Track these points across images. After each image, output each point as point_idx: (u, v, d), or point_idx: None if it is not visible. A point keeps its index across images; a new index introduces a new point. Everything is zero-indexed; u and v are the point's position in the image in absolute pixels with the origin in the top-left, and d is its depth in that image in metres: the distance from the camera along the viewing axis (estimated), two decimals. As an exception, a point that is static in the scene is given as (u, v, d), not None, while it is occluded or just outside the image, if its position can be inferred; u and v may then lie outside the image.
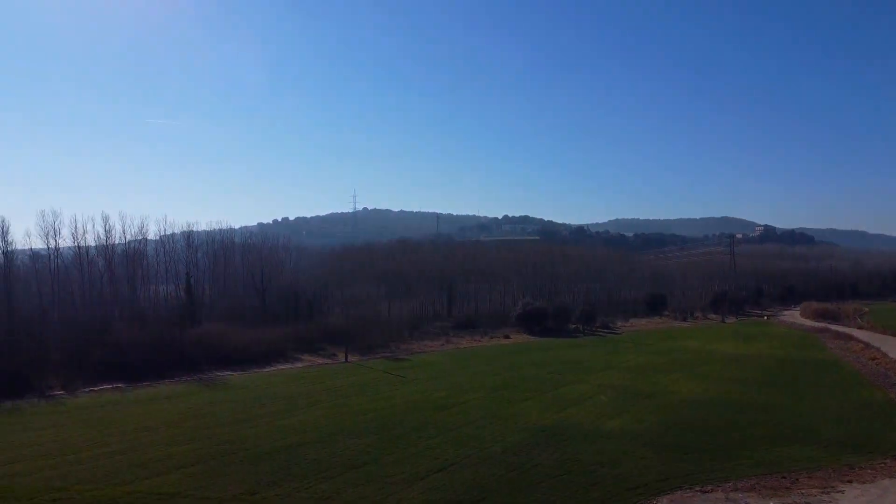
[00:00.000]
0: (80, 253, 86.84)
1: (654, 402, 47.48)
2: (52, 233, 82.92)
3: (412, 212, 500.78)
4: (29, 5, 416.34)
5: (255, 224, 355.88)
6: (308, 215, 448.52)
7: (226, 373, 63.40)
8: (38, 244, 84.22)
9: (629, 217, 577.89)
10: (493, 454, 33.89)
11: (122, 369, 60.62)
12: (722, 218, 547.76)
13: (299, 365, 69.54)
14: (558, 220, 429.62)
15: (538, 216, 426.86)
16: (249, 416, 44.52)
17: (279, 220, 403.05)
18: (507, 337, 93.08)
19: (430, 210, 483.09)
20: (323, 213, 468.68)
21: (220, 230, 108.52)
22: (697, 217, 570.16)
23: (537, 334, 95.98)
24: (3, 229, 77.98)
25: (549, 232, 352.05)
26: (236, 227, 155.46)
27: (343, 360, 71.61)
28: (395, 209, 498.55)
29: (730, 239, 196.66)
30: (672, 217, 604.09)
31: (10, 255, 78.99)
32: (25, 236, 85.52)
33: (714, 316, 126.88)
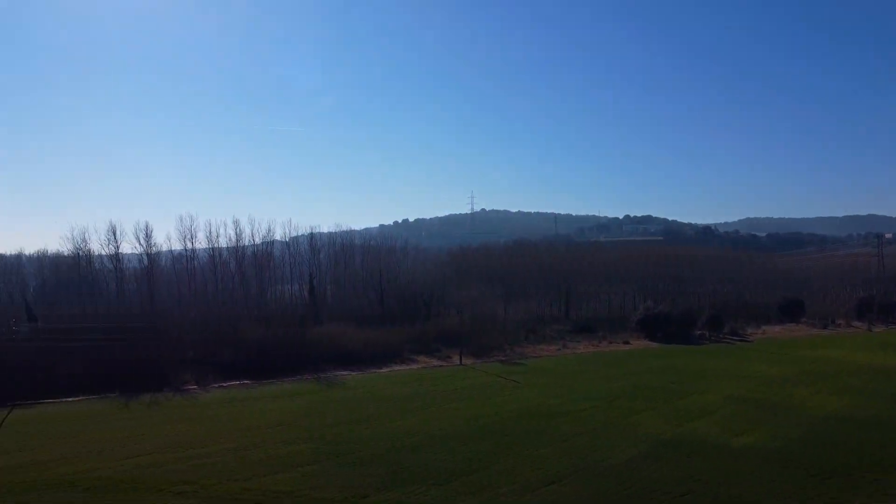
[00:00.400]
0: (214, 254, 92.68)
1: (790, 418, 43.62)
2: (189, 236, 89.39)
3: (530, 212, 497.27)
4: (164, 28, 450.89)
5: (377, 226, 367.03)
6: (427, 217, 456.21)
7: (344, 372, 65.10)
8: (176, 246, 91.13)
9: (762, 216, 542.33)
10: (609, 467, 32.28)
11: (250, 367, 63.78)
12: (868, 216, 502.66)
13: (414, 366, 70.23)
14: (683, 219, 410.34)
15: (661, 216, 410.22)
16: (364, 416, 45.21)
17: (399, 221, 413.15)
18: (626, 342, 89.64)
19: (549, 210, 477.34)
20: (442, 214, 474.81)
21: (340, 232, 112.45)
22: (839, 215, 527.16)
23: (659, 340, 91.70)
24: (147, 233, 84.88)
25: (673, 232, 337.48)
26: (359, 228, 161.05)
27: (457, 362, 71.60)
28: (513, 210, 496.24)
29: (877, 239, 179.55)
30: (810, 215, 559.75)
31: (153, 256, 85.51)
32: (166, 239, 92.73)
33: (859, 323, 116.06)
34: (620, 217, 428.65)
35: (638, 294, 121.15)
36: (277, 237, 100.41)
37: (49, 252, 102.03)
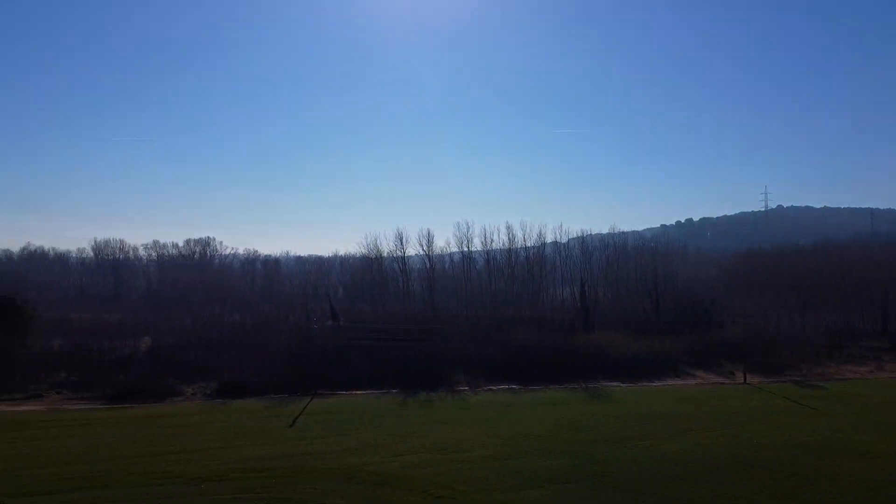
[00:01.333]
0: (489, 258, 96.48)
1: None
2: (465, 241, 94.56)
3: (838, 208, 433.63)
4: (445, 39, 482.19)
5: (658, 226, 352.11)
6: (714, 215, 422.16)
7: (612, 383, 62.69)
8: (454, 249, 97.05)
9: None
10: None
11: (518, 370, 64.73)
12: None
13: (691, 382, 65.02)
14: None
15: None
16: (630, 435, 42.60)
17: (682, 221, 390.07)
18: (969, 367, 73.02)
19: (864, 206, 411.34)
20: (731, 212, 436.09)
21: (614, 234, 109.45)
22: None
23: None
24: (429, 239, 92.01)
25: None
26: (640, 229, 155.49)
27: (741, 380, 64.62)
28: (817, 205, 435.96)
29: None
30: None
31: (433, 259, 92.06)
32: (445, 244, 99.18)
33: None
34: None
35: None
36: (549, 240, 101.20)
37: (356, 254, 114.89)
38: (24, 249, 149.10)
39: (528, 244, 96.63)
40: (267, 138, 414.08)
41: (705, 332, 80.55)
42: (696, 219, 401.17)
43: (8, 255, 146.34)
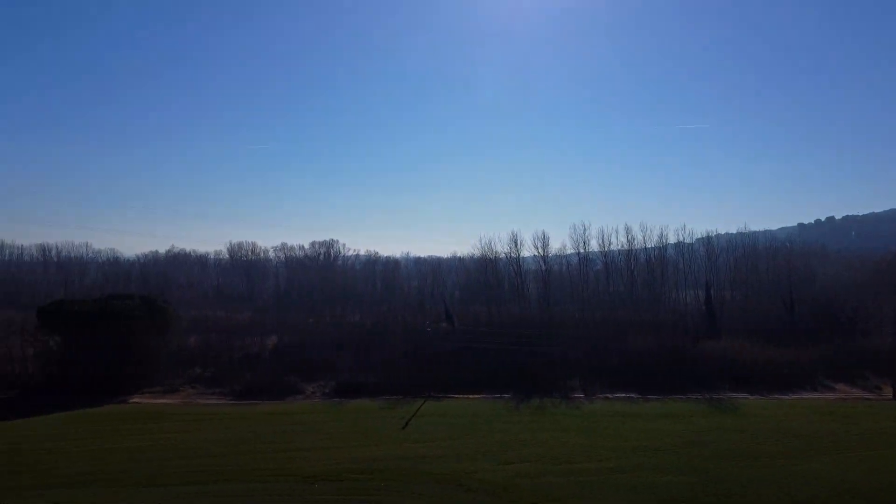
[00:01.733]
0: (606, 260, 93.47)
1: None
2: (581, 243, 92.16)
3: None
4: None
5: (795, 225, 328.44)
6: (859, 213, 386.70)
7: (740, 395, 58.66)
8: (570, 251, 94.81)
9: None
10: None
11: (636, 378, 62.02)
12: None
13: (830, 396, 59.69)
14: None
15: None
16: (760, 452, 39.63)
17: (822, 219, 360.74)
18: None
19: None
20: (879, 209, 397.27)
21: (742, 234, 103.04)
22: None
23: None
24: (544, 241, 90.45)
25: None
26: (773, 229, 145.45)
27: (889, 396, 58.61)
28: None
29: None
30: None
31: (549, 261, 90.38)
32: (561, 246, 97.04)
33: None
34: None
35: None
36: (671, 241, 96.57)
37: (472, 256, 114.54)
38: (168, 251, 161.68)
39: (649, 245, 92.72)
40: (388, 142, 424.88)
41: (847, 340, 73.50)
42: (838, 217, 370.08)
43: (156, 257, 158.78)
